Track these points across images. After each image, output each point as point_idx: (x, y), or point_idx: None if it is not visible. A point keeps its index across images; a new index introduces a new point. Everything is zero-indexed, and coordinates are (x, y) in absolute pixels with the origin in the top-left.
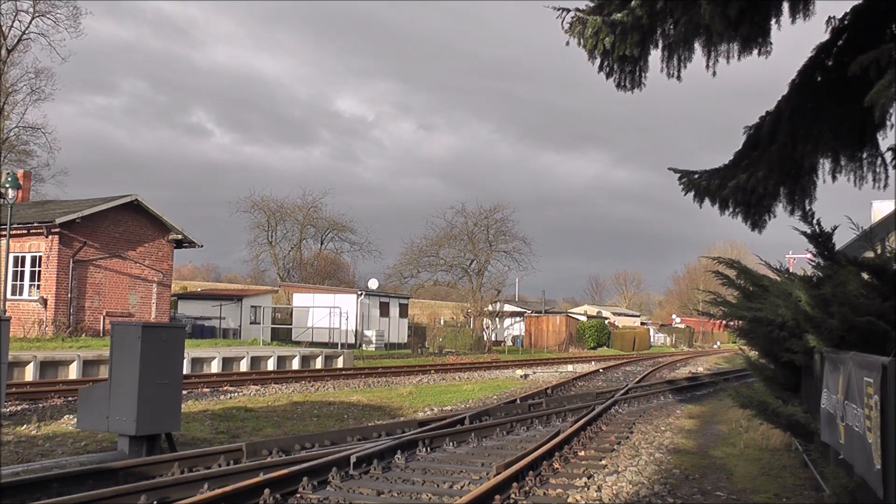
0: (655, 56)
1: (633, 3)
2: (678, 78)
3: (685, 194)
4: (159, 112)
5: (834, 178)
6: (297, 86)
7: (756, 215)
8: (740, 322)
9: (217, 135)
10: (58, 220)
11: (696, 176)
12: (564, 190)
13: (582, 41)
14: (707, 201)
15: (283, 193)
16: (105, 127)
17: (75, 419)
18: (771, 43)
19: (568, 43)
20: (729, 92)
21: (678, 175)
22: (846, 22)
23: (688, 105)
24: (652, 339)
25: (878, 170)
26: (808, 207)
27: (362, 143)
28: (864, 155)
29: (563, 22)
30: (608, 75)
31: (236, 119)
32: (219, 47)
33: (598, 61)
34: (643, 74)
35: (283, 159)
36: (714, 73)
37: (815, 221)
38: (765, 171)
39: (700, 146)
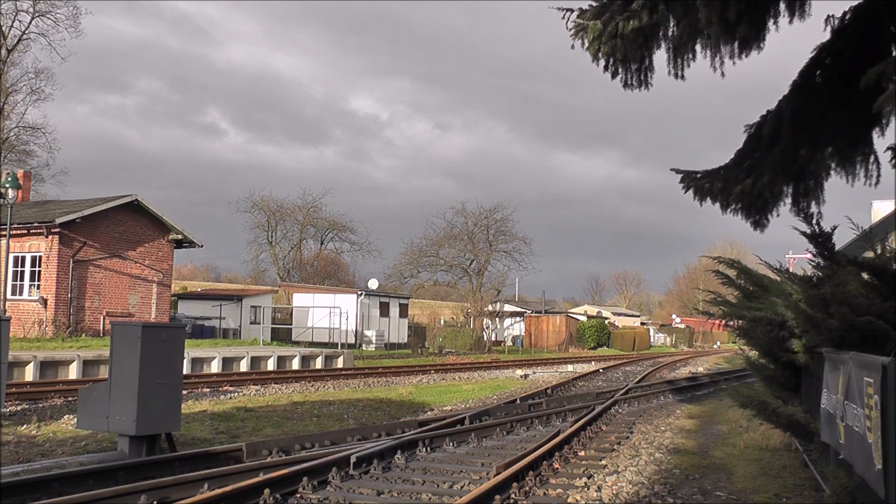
0: (661, 56)
1: (633, 5)
2: (682, 78)
3: (685, 192)
4: (173, 111)
5: (828, 175)
6: (314, 85)
7: (758, 215)
8: (740, 322)
9: (231, 134)
10: (58, 220)
11: (699, 176)
12: (576, 190)
13: (586, 43)
14: (708, 200)
15: (284, 193)
16: (117, 126)
17: (75, 419)
18: (765, 40)
19: (573, 46)
20: (742, 92)
21: (680, 176)
22: (846, 21)
23: (702, 105)
24: (652, 339)
25: (870, 167)
26: (814, 209)
27: (375, 142)
28: (859, 154)
29: (567, 23)
30: (613, 75)
31: (251, 118)
32: (236, 46)
33: (602, 62)
34: (649, 74)
35: (295, 158)
36: (723, 74)
37: (814, 221)
38: (770, 176)
39: (712, 146)
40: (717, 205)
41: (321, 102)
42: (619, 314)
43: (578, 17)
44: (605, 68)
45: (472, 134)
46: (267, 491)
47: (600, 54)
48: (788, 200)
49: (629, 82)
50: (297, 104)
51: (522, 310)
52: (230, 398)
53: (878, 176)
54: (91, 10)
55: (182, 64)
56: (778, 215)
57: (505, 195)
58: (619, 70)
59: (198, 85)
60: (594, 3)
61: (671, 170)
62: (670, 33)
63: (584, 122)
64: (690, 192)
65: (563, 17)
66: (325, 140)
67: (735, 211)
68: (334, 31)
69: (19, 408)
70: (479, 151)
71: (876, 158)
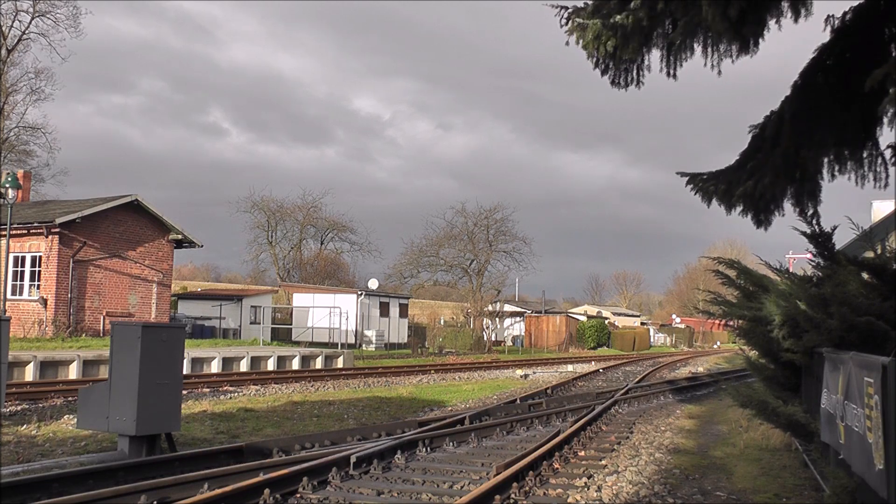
0: (654, 55)
1: (632, 4)
2: (674, 77)
3: (694, 194)
4: (175, 111)
5: (833, 176)
6: (317, 85)
7: (762, 215)
8: (740, 322)
9: (233, 134)
10: (58, 220)
11: (705, 178)
12: (577, 190)
13: (582, 41)
14: (714, 201)
15: (285, 193)
16: (119, 126)
17: (75, 419)
18: (761, 41)
19: (567, 43)
20: (744, 92)
21: (686, 178)
22: (847, 21)
23: (703, 105)
24: (652, 339)
25: (878, 168)
26: (813, 209)
27: (377, 142)
28: (865, 154)
29: (561, 20)
30: (603, 72)
31: (253, 118)
32: (239, 46)
33: (594, 59)
34: (641, 73)
35: (298, 159)
36: (720, 73)
37: (815, 221)
38: (770, 178)
39: (714, 146)
40: (723, 206)
41: (323, 102)
42: (619, 314)
43: (575, 15)
44: (596, 65)
45: (474, 134)
46: (267, 491)
47: (597, 52)
48: (791, 201)
49: (617, 80)
50: (300, 104)
51: (522, 310)
52: (230, 398)
53: (887, 177)
54: (93, 9)
55: (184, 64)
56: (783, 215)
57: (506, 195)
58: (610, 67)
59: (200, 85)
60: (590, 2)
61: (677, 173)
62: (667, 31)
63: (585, 122)
64: (698, 193)
65: (557, 14)
66: (327, 140)
67: (742, 212)
68: (337, 31)
69: (19, 408)
70: (480, 151)
71: (884, 160)
